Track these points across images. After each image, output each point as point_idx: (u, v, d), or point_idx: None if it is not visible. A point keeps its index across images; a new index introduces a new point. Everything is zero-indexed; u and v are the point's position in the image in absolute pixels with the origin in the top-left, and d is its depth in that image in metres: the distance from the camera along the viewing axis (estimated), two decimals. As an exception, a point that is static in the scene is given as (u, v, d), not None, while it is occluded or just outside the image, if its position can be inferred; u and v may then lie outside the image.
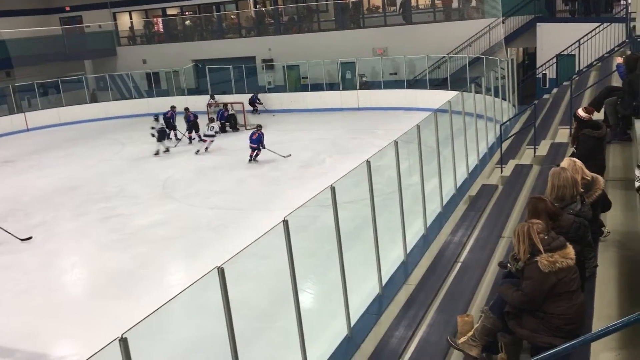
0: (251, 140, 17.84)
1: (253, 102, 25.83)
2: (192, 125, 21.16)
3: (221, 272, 4.73)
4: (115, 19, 32.44)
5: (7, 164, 20.47)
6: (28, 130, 26.00)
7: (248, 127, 23.19)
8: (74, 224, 13.47)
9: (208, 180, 16.43)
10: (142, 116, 26.75)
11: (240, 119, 23.52)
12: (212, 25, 31.57)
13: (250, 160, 17.64)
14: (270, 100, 26.35)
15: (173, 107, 21.52)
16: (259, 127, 18.24)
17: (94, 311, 9.24)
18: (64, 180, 17.49)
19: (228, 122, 22.91)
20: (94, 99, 29.50)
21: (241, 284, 8.65)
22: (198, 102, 25.33)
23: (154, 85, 29.76)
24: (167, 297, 4.69)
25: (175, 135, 21.14)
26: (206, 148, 19.65)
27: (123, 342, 3.74)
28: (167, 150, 19.89)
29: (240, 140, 21.43)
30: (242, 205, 13.93)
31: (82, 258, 11.81)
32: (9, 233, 11.90)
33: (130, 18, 32.92)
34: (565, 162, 4.89)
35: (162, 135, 19.73)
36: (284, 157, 17.73)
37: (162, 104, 26.63)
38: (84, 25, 32.21)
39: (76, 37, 31.96)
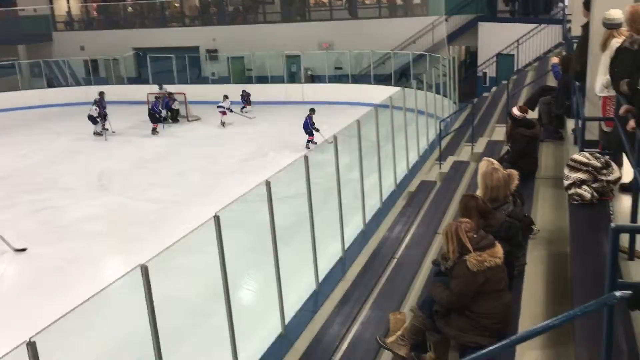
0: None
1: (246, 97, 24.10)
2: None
3: (144, 269, 4.52)
4: (51, 3, 31.12)
5: None
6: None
7: (190, 119, 22.72)
8: (0, 216, 12.82)
9: (146, 172, 15.97)
10: (80, 105, 25.74)
11: (182, 110, 22.98)
12: (154, 13, 30.74)
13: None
14: (214, 91, 25.78)
15: (102, 94, 20.88)
16: (312, 110, 17.80)
17: (17, 309, 8.79)
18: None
19: (170, 112, 22.30)
20: (27, 86, 28.20)
21: (176, 280, 8.41)
22: (138, 92, 24.57)
23: (93, 72, 28.71)
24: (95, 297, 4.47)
25: (104, 125, 20.20)
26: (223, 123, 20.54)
27: (31, 346, 3.49)
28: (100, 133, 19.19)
29: (181, 132, 20.97)
30: (180, 199, 13.59)
31: (7, 252, 11.22)
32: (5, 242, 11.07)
33: (68, 2, 31.65)
34: (483, 164, 4.90)
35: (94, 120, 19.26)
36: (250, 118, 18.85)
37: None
38: (17, 8, 30.72)
39: (9, 20, 30.43)
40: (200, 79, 27.25)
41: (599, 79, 5.91)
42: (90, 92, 26.40)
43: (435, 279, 4.43)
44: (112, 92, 24.95)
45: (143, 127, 21.44)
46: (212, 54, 27.71)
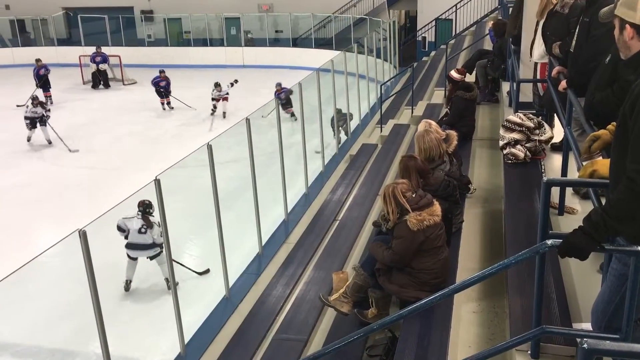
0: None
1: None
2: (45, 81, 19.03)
3: (83, 235, 4.40)
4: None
5: None
6: None
7: (126, 82, 21.99)
8: None
9: (80, 138, 15.40)
10: (6, 67, 24.47)
11: (117, 73, 22.20)
12: (84, -30, 29.22)
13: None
14: (151, 55, 24.95)
15: (38, 60, 19.32)
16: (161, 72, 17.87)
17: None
18: None
19: (101, 77, 21.37)
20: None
21: (117, 247, 8.24)
22: (69, 54, 23.53)
23: (20, 33, 27.19)
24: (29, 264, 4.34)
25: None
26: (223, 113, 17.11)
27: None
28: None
29: (117, 96, 20.29)
30: (117, 165, 13.23)
31: None
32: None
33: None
34: (422, 125, 5.02)
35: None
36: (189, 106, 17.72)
37: (29, 54, 24.42)
38: None
39: None
40: (135, 41, 26.27)
41: (537, 46, 6.08)
42: (18, 54, 25.12)
43: (376, 238, 4.52)
44: (41, 54, 23.71)
45: (75, 91, 20.62)
46: (147, 15, 26.72)
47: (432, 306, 3.52)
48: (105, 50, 22.65)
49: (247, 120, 7.49)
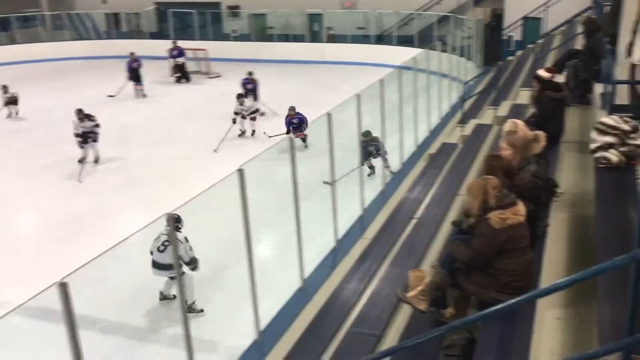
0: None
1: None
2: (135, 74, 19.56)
3: (172, 218, 4.59)
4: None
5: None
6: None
7: (211, 76, 22.62)
8: (22, 167, 13.04)
9: (166, 128, 16.04)
10: (101, 58, 25.81)
11: (202, 67, 22.92)
12: (176, -33, 30.35)
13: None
14: (235, 49, 25.56)
15: (132, 54, 19.98)
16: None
17: (40, 254, 9.04)
18: (15, 121, 16.90)
19: (180, 71, 21.99)
20: (49, 38, 28.21)
21: (196, 236, 8.52)
22: (159, 47, 24.47)
23: (115, 26, 28.62)
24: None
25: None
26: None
27: (62, 286, 3.59)
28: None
29: (202, 89, 20.95)
30: (200, 155, 13.68)
31: (30, 201, 11.46)
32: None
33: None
34: (509, 124, 4.86)
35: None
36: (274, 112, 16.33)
37: (123, 46, 25.64)
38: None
39: (32, -29, 30.29)
40: (220, 36, 27.01)
41: (638, 47, 5.78)
42: (112, 45, 26.41)
43: (455, 237, 4.46)
44: (134, 47, 24.95)
45: (163, 83, 21.46)
46: (234, 10, 27.41)
47: (515, 309, 3.44)
48: (191, 44, 23.44)
49: (328, 114, 7.56)
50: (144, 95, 19.52)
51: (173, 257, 6.08)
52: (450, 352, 3.98)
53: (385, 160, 10.76)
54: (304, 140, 13.59)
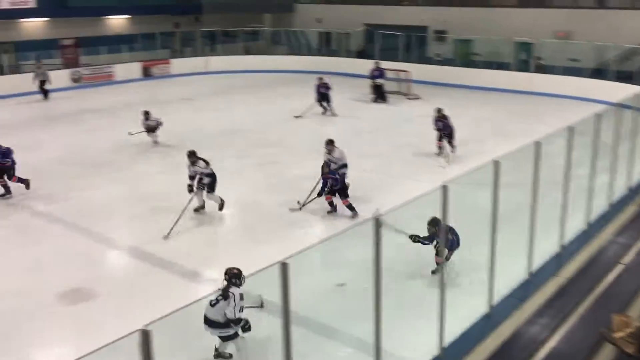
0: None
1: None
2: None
3: (376, 221, 4.84)
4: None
5: (186, 101, 22.39)
6: (207, 73, 28.02)
7: (410, 97, 22.99)
8: (235, 164, 14.42)
9: (363, 142, 16.66)
10: (311, 73, 27.61)
11: (403, 88, 23.44)
12: (389, -9, 31.55)
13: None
14: (438, 73, 25.67)
15: (320, 78, 20.14)
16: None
17: (244, 245, 9.95)
18: (232, 122, 18.86)
19: (377, 91, 22.48)
20: (268, 52, 30.99)
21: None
22: (362, 66, 25.55)
23: (325, 44, 30.54)
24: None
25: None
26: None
27: (143, 334, 3.29)
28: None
29: (401, 109, 21.41)
30: (392, 172, 14.00)
31: (237, 196, 12.59)
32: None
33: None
34: None
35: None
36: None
37: (330, 63, 27.25)
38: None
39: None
40: (424, 59, 27.38)
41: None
42: (321, 62, 28.18)
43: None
44: (340, 64, 26.61)
45: (361, 100, 22.36)
46: (440, 35, 27.62)
47: None
48: (394, 65, 24.07)
49: (538, 143, 7.35)
50: (334, 115, 20.05)
51: (229, 313, 5.86)
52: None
53: (450, 253, 8.07)
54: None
